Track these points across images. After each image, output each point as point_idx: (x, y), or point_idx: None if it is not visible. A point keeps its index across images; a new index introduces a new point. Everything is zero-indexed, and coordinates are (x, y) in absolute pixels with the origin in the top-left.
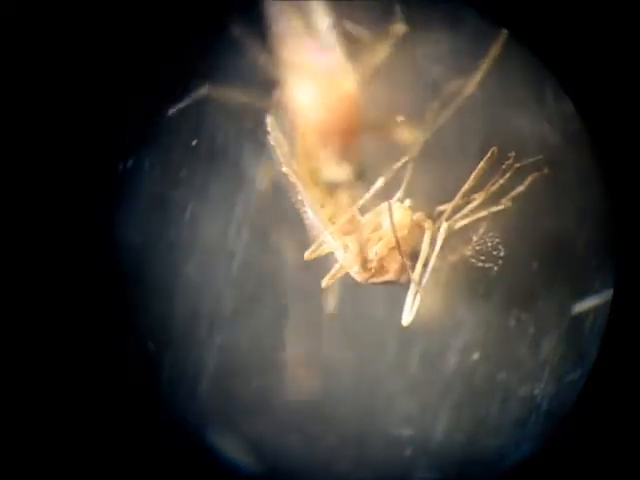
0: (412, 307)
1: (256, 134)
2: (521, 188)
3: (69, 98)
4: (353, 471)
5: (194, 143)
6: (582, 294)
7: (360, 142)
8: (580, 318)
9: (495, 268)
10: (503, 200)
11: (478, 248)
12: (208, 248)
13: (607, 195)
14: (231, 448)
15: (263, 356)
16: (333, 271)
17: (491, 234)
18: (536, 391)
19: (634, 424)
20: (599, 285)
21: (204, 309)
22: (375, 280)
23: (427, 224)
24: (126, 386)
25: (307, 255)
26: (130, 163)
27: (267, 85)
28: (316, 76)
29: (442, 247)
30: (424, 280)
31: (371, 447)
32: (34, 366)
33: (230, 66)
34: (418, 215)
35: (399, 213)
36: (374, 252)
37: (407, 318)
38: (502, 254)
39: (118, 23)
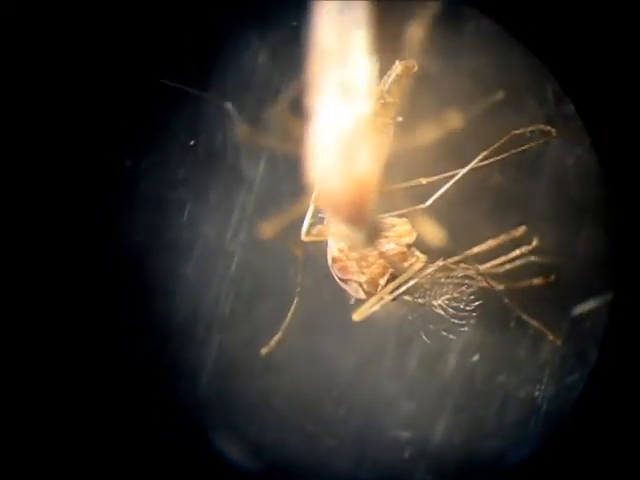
0: (367, 310)
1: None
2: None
3: (68, 99)
4: (352, 472)
5: (192, 143)
6: (582, 295)
7: (373, 212)
8: (580, 319)
9: (462, 327)
10: (500, 278)
11: (450, 301)
12: (207, 248)
13: (607, 195)
14: (231, 447)
15: (263, 356)
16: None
17: (472, 296)
18: (536, 393)
19: (634, 425)
20: (599, 287)
21: (203, 309)
22: (344, 270)
23: (421, 256)
24: (126, 385)
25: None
26: (129, 164)
27: (268, 86)
28: (339, 145)
29: (419, 286)
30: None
31: (370, 448)
32: (33, 365)
33: (231, 67)
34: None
35: (405, 231)
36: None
37: (359, 316)
38: (473, 315)
39: (118, 24)
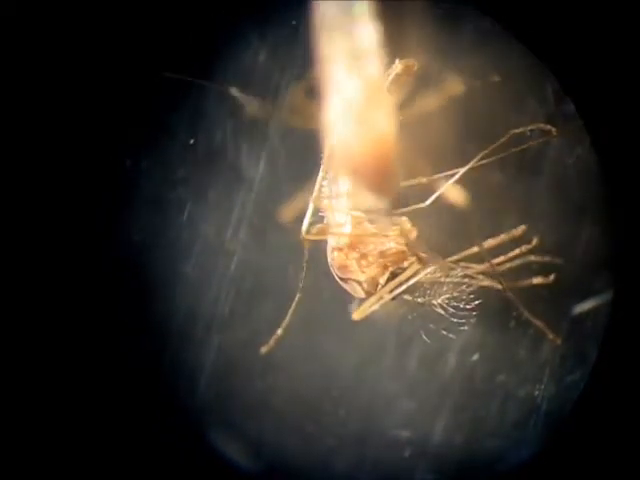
0: (367, 310)
1: (254, 133)
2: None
3: (68, 98)
4: (352, 472)
5: (192, 142)
6: (582, 295)
7: (396, 179)
8: (580, 319)
9: (462, 326)
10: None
11: (450, 300)
12: (207, 247)
13: (607, 195)
14: (231, 447)
15: (263, 356)
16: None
17: (471, 295)
18: (536, 392)
19: (634, 425)
20: (599, 286)
21: (203, 309)
22: (343, 269)
23: (422, 256)
24: (125, 386)
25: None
26: (129, 163)
27: (267, 87)
28: (355, 114)
29: (419, 286)
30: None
31: (370, 448)
32: (32, 365)
33: (231, 67)
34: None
35: (405, 230)
36: (366, 247)
37: (358, 315)
38: (473, 314)
39: (118, 24)
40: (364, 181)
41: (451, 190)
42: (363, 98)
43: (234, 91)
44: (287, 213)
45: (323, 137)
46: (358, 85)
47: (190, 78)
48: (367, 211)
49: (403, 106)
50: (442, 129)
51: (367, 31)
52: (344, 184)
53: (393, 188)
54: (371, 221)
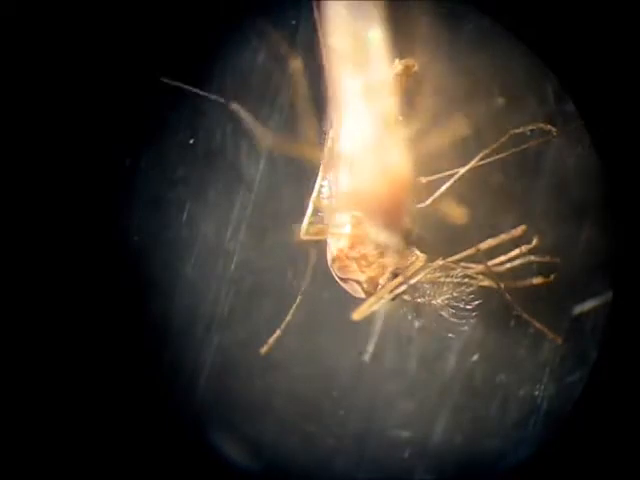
0: (367, 310)
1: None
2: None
3: (68, 98)
4: (352, 472)
5: (191, 142)
6: (582, 295)
7: (409, 216)
8: (580, 319)
9: (462, 326)
10: (500, 277)
11: (450, 300)
12: (207, 247)
13: (607, 194)
14: (231, 447)
15: (262, 356)
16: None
17: (471, 295)
18: (536, 392)
19: (634, 425)
20: (599, 286)
21: (203, 309)
22: (343, 270)
23: (421, 256)
24: (125, 386)
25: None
26: (128, 162)
27: (267, 87)
28: (369, 152)
29: (419, 286)
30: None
31: (370, 448)
32: (32, 365)
33: (230, 68)
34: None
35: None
36: (366, 248)
37: (358, 315)
38: (473, 314)
39: (118, 24)
40: (376, 219)
41: (447, 206)
42: (377, 136)
43: (235, 107)
44: (301, 232)
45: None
46: (372, 121)
47: (191, 87)
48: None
49: (403, 106)
50: (442, 129)
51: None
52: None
53: (404, 226)
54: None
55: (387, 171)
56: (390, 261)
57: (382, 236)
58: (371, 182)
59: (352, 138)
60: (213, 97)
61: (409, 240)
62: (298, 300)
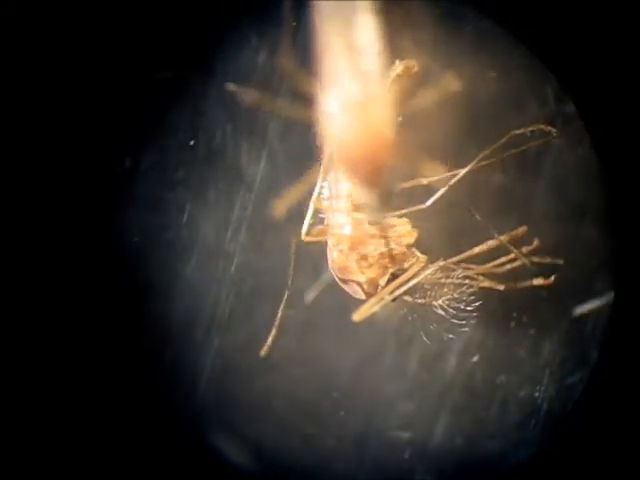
0: (367, 311)
1: (253, 134)
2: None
3: (68, 98)
4: (352, 473)
5: (191, 143)
6: (583, 296)
7: (388, 172)
8: (581, 320)
9: (462, 327)
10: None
11: (450, 301)
12: (206, 248)
13: (607, 195)
14: (231, 448)
15: (262, 357)
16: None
17: (472, 296)
18: (536, 393)
19: (634, 426)
20: (600, 287)
21: (203, 310)
22: (344, 270)
23: (421, 256)
24: (125, 387)
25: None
26: (128, 163)
27: (267, 87)
28: (353, 106)
29: (420, 287)
30: (386, 299)
31: (371, 449)
32: (31, 366)
33: (231, 66)
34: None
35: (406, 231)
36: (366, 249)
37: (359, 316)
38: (473, 315)
39: (118, 23)
40: (355, 171)
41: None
42: (363, 92)
43: (231, 86)
44: (281, 208)
45: (323, 138)
46: (358, 80)
47: (185, 76)
48: (360, 207)
49: (403, 106)
50: (442, 130)
51: (368, 29)
52: (344, 185)
53: (382, 182)
54: (369, 220)
55: (370, 128)
56: (390, 262)
57: (360, 192)
58: (353, 137)
59: (340, 95)
60: (205, 80)
61: (387, 199)
62: (285, 296)
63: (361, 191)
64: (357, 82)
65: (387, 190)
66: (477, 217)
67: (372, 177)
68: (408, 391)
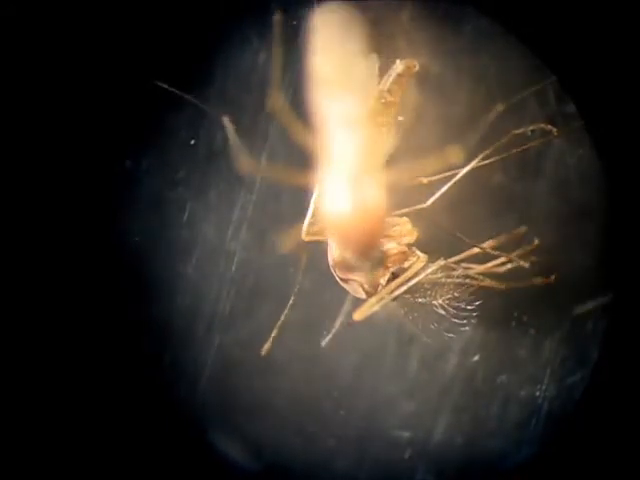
0: (367, 310)
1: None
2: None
3: (68, 99)
4: (353, 472)
5: (192, 143)
6: (583, 296)
7: (379, 244)
8: (581, 320)
9: (463, 327)
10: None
11: (451, 301)
12: (208, 248)
13: (607, 195)
14: (231, 447)
15: (263, 356)
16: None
17: (472, 296)
18: (537, 393)
19: (635, 426)
20: (600, 287)
21: (203, 309)
22: (344, 269)
23: (422, 256)
24: (125, 386)
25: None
26: (129, 164)
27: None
28: (348, 182)
29: (420, 286)
30: (388, 298)
31: (371, 448)
32: (32, 365)
33: (231, 69)
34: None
35: (406, 231)
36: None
37: (359, 315)
38: (473, 315)
39: (118, 25)
40: (348, 244)
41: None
42: (357, 166)
43: (226, 121)
44: (287, 242)
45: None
46: (353, 150)
47: (185, 94)
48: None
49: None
50: (442, 130)
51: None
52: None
53: (375, 253)
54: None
55: (363, 203)
56: (391, 261)
57: (353, 260)
58: (346, 211)
59: (333, 166)
60: (204, 107)
61: (378, 267)
62: (291, 300)
63: (353, 260)
64: (351, 152)
65: (379, 258)
66: (466, 240)
67: (365, 250)
68: (409, 390)
